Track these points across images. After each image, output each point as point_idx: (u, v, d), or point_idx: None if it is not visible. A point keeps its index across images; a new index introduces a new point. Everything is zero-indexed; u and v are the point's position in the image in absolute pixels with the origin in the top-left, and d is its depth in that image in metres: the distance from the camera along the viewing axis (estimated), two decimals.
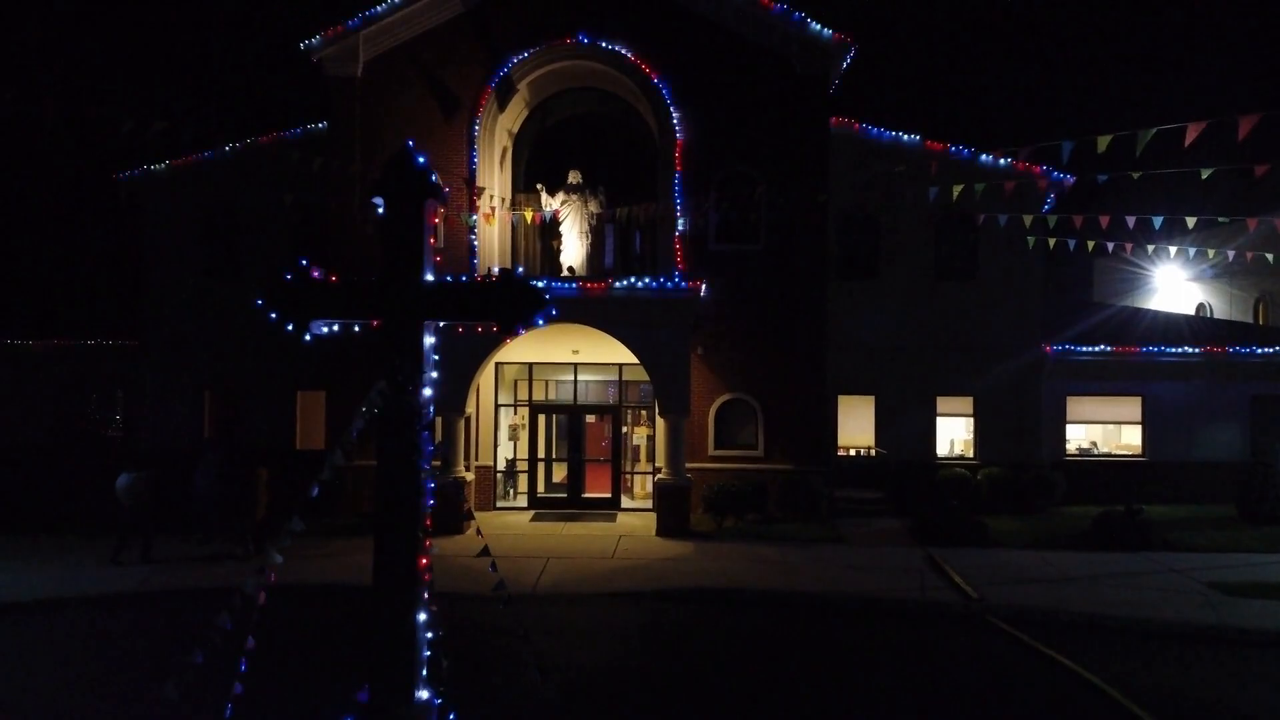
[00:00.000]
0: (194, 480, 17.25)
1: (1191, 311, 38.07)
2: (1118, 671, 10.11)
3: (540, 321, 5.92)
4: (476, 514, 19.09)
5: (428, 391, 5.92)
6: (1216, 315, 37.45)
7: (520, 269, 20.73)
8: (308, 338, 5.95)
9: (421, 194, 5.86)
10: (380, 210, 5.93)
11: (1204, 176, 13.22)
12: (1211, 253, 19.11)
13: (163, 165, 22.58)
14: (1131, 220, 15.37)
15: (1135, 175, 13.39)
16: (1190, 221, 16.75)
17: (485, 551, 7.10)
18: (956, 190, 15.70)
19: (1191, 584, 14.22)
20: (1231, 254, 19.89)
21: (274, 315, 5.84)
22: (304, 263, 5.86)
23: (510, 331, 5.98)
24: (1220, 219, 21.72)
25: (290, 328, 5.90)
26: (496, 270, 7.38)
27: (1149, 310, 31.34)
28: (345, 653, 10.13)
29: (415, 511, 5.85)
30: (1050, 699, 9.48)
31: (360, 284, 5.89)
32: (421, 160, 5.89)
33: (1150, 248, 19.84)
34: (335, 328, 6.02)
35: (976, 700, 9.43)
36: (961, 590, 13.59)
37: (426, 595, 5.88)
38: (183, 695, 5.48)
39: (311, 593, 13.50)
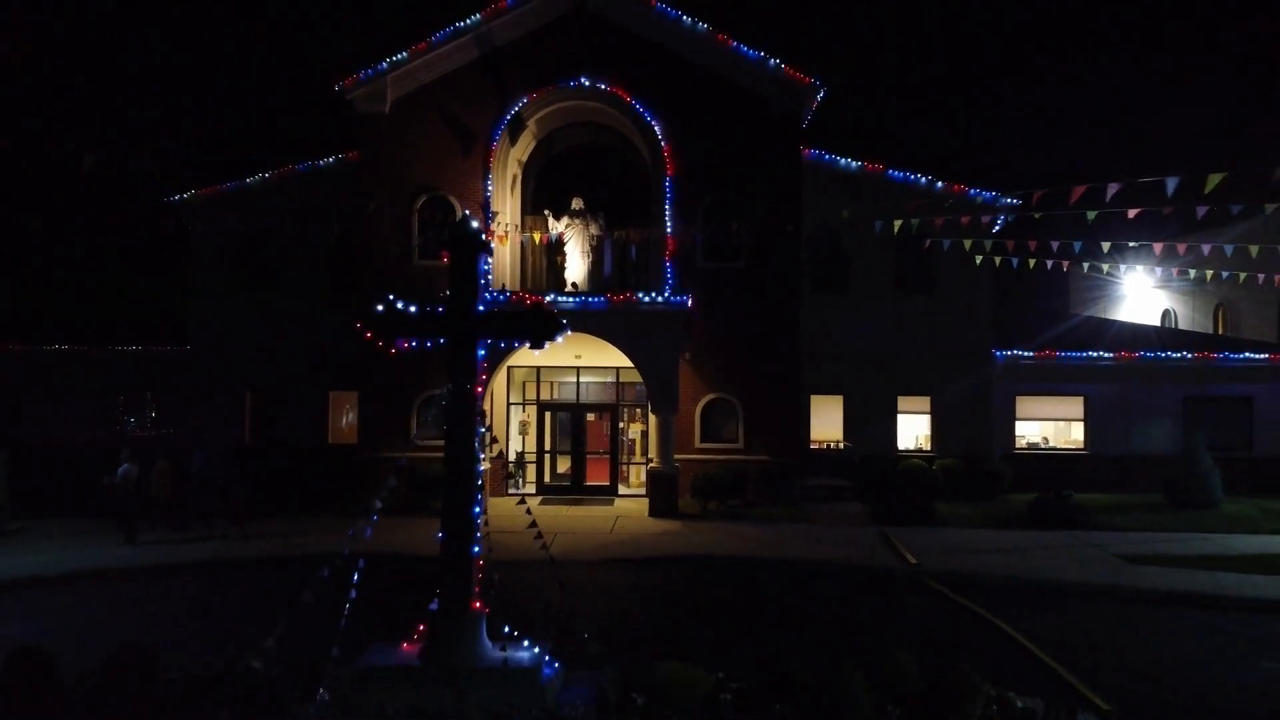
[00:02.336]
0: (188, 473, 19.64)
1: (1158, 317, 40.33)
2: (1023, 619, 12.23)
3: (560, 339, 8.08)
4: (491, 499, 21.17)
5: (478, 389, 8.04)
6: (1180, 321, 39.60)
7: (527, 284, 22.92)
8: (392, 350, 8.10)
9: (475, 249, 8.01)
10: (445, 259, 8.08)
11: (1130, 216, 15.12)
12: (1137, 267, 21.24)
13: (207, 190, 24.63)
14: (1078, 245, 17.44)
15: (1090, 215, 15.07)
16: (1154, 244, 18.60)
17: (533, 524, 9.20)
18: (914, 219, 17.81)
19: (1103, 555, 16.35)
20: (1191, 271, 21.63)
21: (370, 334, 8.00)
22: (391, 298, 8.01)
23: (538, 346, 8.14)
24: (1174, 243, 23.64)
25: (381, 343, 8.06)
26: (530, 301, 9.47)
27: (1108, 319, 33.66)
28: (402, 597, 12.19)
29: (471, 476, 8.00)
30: (961, 636, 11.61)
31: (431, 313, 8.03)
32: (475, 225, 8.06)
33: (1085, 264, 21.79)
34: (413, 343, 8.17)
35: (905, 632, 11.56)
36: (904, 558, 15.76)
37: (482, 537, 8.04)
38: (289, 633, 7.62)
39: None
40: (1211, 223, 36.67)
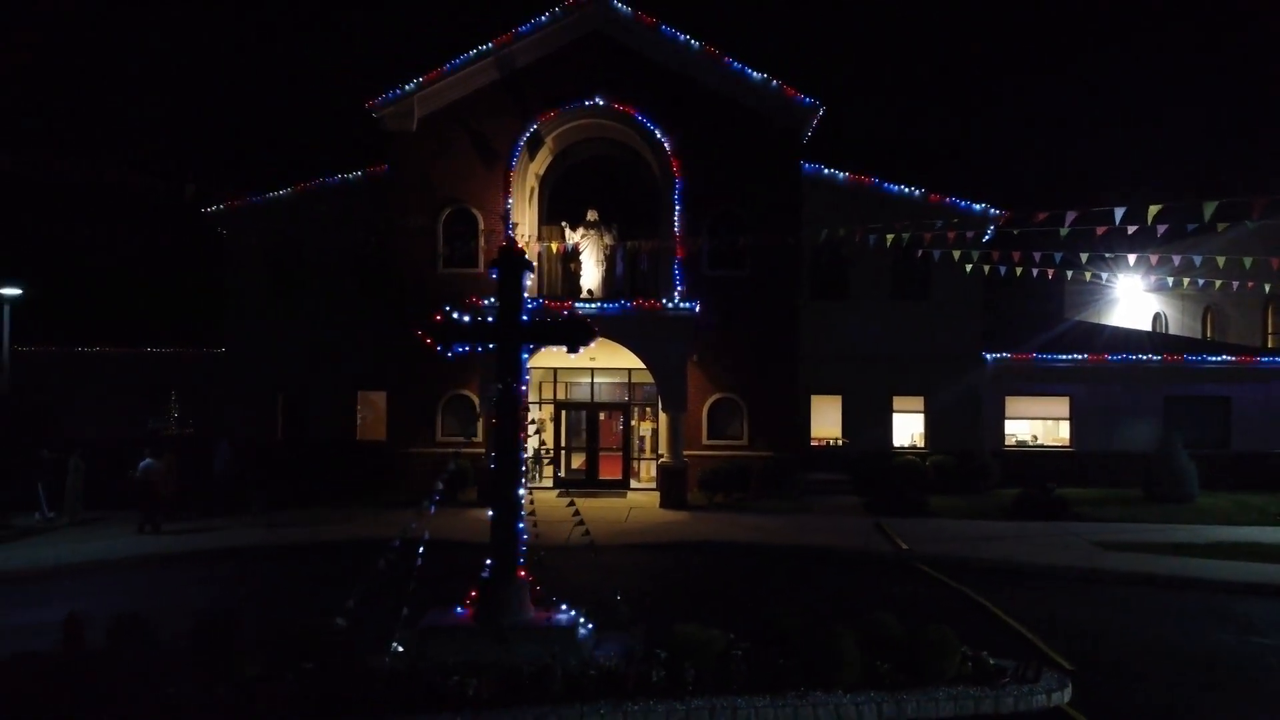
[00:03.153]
0: (212, 466, 20.96)
1: (1150, 320, 41.41)
2: (1001, 596, 13.35)
3: (591, 344, 9.25)
4: None
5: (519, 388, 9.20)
6: (1171, 323, 40.68)
7: (544, 290, 24.03)
8: (449, 355, 9.28)
9: (519, 269, 9.19)
10: (494, 276, 9.25)
11: (1118, 223, 16.15)
12: (1102, 282, 22.30)
13: (240, 202, 25.81)
14: (1059, 255, 18.51)
15: (1063, 231, 16.11)
16: (1131, 256, 19.83)
17: (576, 512, 10.33)
18: (908, 231, 18.91)
19: (1081, 543, 17.45)
20: (1171, 279, 22.72)
21: (430, 340, 9.17)
22: (448, 309, 9.19)
23: (574, 350, 9.31)
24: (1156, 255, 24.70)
25: (439, 348, 9.23)
26: (562, 308, 10.62)
27: (1094, 324, 34.82)
28: (444, 574, 13.36)
29: (516, 463, 9.19)
30: (944, 609, 12.72)
31: (483, 323, 9.20)
32: (520, 248, 9.22)
33: (1069, 272, 22.89)
34: (465, 348, 9.34)
35: (894, 607, 12.64)
36: (896, 545, 16.90)
37: (526, 514, 9.21)
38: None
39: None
40: (1200, 230, 37.81)
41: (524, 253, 9.21)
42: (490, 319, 9.18)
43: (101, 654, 8.89)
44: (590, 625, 9.25)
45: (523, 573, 9.14)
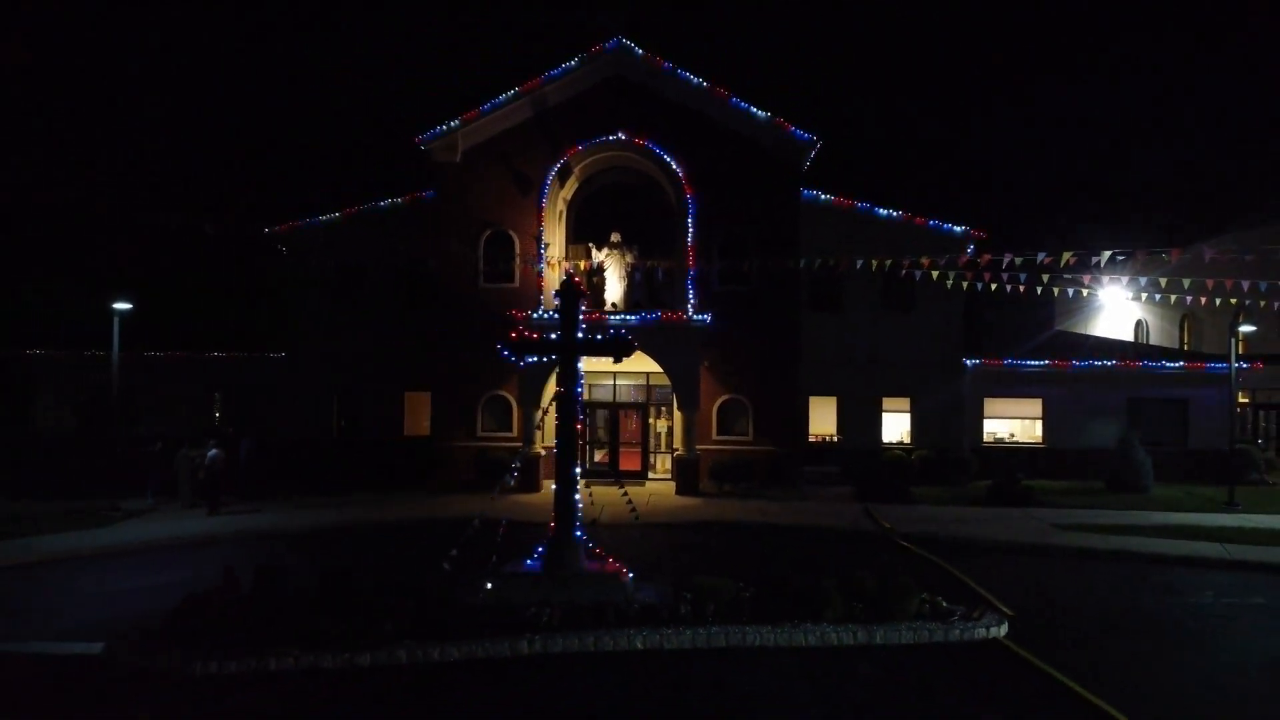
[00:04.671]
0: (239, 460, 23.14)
1: (1132, 326, 43.51)
2: (963, 564, 15.55)
3: (631, 355, 11.53)
4: (545, 481, 24.62)
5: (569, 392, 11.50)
6: (1151, 330, 42.83)
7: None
8: (521, 365, 11.60)
9: (577, 298, 11.48)
10: (556, 300, 11.55)
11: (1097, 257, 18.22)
12: (1084, 293, 24.51)
13: (300, 223, 28.20)
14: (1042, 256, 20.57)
15: (1040, 257, 18.18)
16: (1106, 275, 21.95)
17: (626, 495, 12.65)
18: (895, 251, 21.12)
19: (1041, 524, 19.62)
20: (1146, 295, 24.75)
21: (507, 352, 11.46)
22: (520, 327, 11.51)
23: (617, 361, 11.58)
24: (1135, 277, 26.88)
25: (515, 359, 11.53)
26: (612, 331, 12.89)
27: (1069, 332, 37.01)
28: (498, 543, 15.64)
29: (574, 449, 11.48)
30: (915, 571, 14.87)
31: (549, 339, 11.49)
32: (577, 279, 11.51)
33: (1039, 287, 24.87)
34: (535, 359, 11.63)
35: (874, 569, 14.85)
36: (880, 525, 19.16)
37: (581, 489, 11.51)
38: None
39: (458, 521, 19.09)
40: (1179, 239, 39.92)
41: (581, 284, 11.51)
42: (554, 336, 11.48)
43: (250, 596, 11.20)
44: (631, 575, 11.53)
45: (579, 534, 11.43)
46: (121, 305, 21.16)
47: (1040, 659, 10.08)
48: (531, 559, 11.61)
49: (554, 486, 11.43)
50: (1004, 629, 11.22)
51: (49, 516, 19.46)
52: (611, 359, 11.54)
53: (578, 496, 11.45)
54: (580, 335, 11.45)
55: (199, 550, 17.11)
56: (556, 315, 23.63)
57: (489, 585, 10.78)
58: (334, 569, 11.44)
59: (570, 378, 11.36)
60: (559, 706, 8.67)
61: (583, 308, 11.77)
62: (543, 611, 10.23)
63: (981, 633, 11.03)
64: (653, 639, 10.22)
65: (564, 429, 11.35)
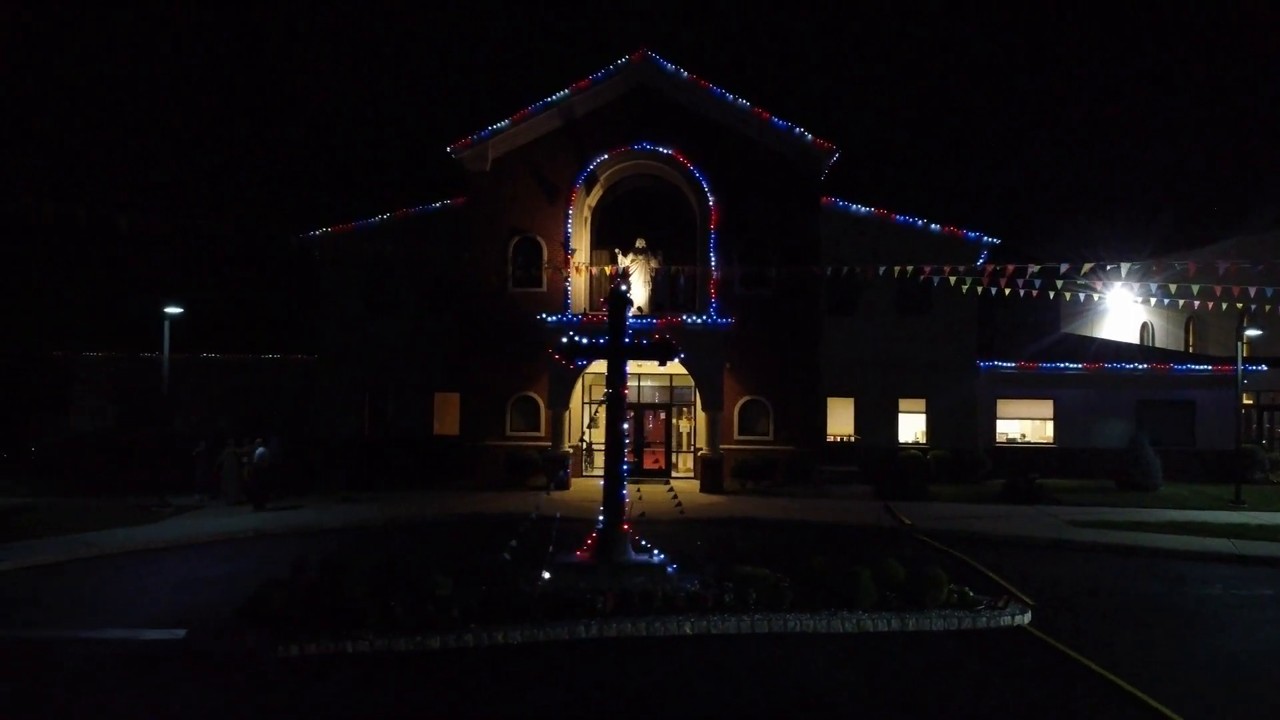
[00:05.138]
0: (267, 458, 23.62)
1: (1138, 329, 43.94)
2: (982, 558, 16.14)
3: (675, 359, 12.16)
4: (575, 479, 25.24)
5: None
6: (1157, 333, 43.23)
7: (596, 306, 26.94)
8: (572, 366, 12.27)
9: (624, 305, 12.12)
10: (605, 309, 12.20)
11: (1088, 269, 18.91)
12: (1093, 295, 25.00)
13: (334, 228, 28.85)
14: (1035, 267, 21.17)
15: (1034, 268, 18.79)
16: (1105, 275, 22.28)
17: (672, 492, 13.30)
18: (912, 258, 21.66)
19: (1056, 521, 20.20)
20: (1154, 299, 24.96)
21: (558, 355, 12.11)
22: (572, 333, 12.15)
23: (662, 364, 12.23)
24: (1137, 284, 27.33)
25: (564, 361, 12.18)
26: (658, 336, 13.51)
27: (1081, 335, 37.47)
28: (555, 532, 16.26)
29: (621, 446, 12.11)
30: (939, 564, 15.46)
31: (598, 343, 12.13)
32: (625, 289, 12.16)
33: (1051, 292, 25.42)
34: (581, 361, 12.31)
35: (899, 562, 15.49)
36: (900, 521, 19.76)
37: (627, 484, 12.16)
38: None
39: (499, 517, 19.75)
40: (1184, 244, 40.34)
41: (627, 294, 12.15)
42: (602, 340, 12.12)
43: (318, 584, 11.85)
44: (675, 565, 12.16)
45: (626, 526, 12.07)
46: (172, 309, 21.85)
47: (1064, 644, 10.69)
48: (580, 549, 12.25)
49: (602, 482, 12.07)
50: (1028, 617, 11.82)
51: (100, 512, 20.16)
52: (657, 362, 12.16)
53: (625, 492, 12.08)
54: (628, 340, 12.08)
55: (252, 544, 17.76)
56: (580, 318, 24.58)
57: (545, 575, 11.42)
58: (396, 559, 12.10)
59: (617, 378, 12.00)
60: (619, 686, 9.31)
61: (630, 315, 12.40)
62: (597, 598, 10.86)
63: (1007, 620, 11.63)
64: (700, 625, 10.85)
65: (612, 428, 11.99)
